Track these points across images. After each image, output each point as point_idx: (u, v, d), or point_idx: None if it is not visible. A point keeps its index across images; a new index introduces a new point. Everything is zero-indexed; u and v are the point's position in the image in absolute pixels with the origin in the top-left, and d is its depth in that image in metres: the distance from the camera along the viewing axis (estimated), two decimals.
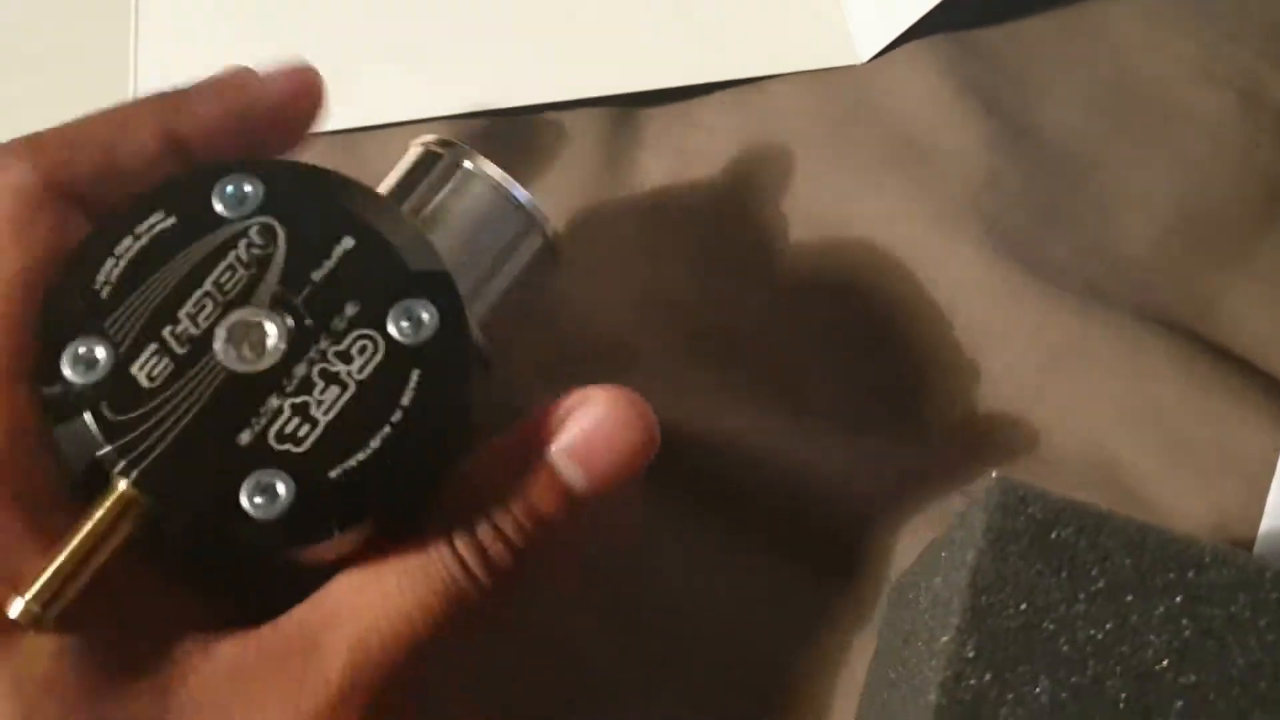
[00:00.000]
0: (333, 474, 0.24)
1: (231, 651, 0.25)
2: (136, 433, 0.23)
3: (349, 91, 0.40)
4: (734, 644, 0.35)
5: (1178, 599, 0.25)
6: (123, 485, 0.23)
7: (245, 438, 0.24)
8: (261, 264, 0.25)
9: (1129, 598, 0.25)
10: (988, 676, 0.24)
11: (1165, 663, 0.24)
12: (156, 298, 0.25)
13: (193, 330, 0.24)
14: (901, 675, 0.28)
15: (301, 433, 0.24)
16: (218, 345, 0.24)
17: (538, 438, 0.27)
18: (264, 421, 0.24)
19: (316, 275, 0.25)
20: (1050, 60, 0.41)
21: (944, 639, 0.25)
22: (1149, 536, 0.25)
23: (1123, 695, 0.24)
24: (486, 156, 0.40)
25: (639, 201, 0.40)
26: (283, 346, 0.25)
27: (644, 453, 0.27)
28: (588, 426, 0.27)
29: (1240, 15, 0.42)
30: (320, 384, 0.24)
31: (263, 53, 0.42)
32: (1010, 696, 0.24)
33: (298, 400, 0.24)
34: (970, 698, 0.24)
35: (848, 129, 0.40)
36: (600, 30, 0.42)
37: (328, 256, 0.25)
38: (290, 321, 0.25)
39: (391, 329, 0.25)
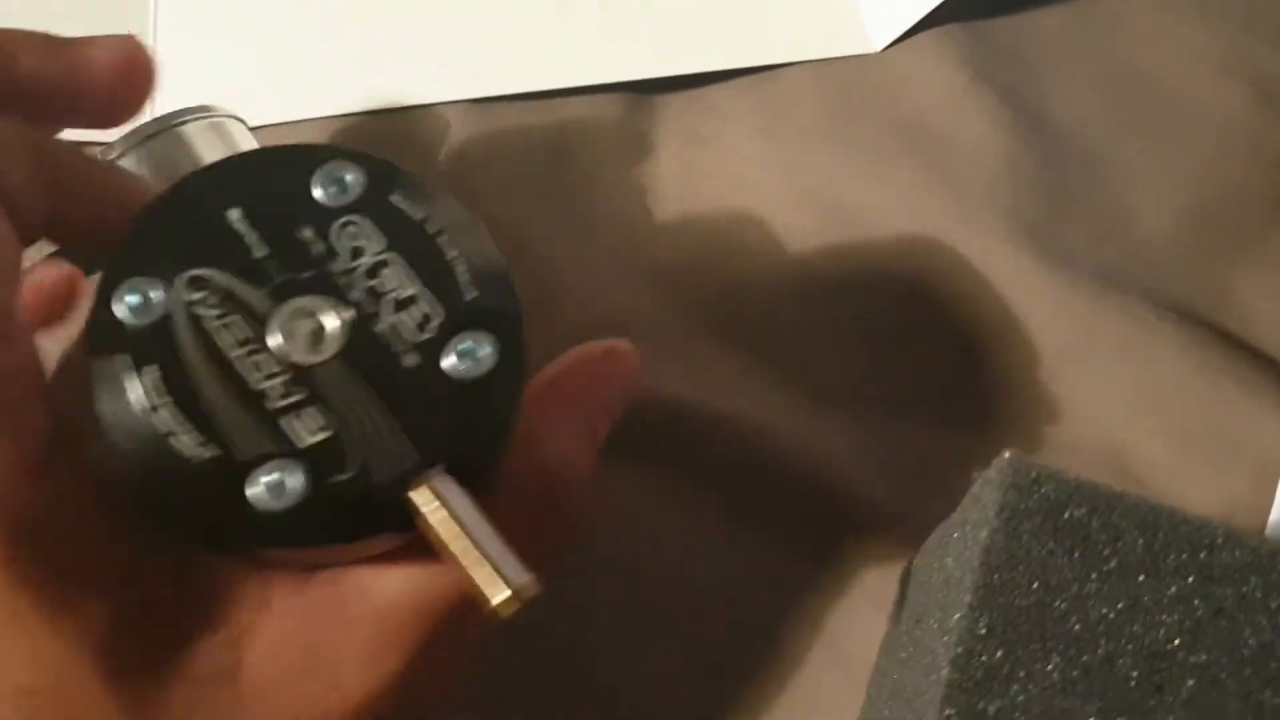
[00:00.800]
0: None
1: (288, 598, 0.24)
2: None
3: (375, 71, 0.41)
4: (741, 624, 0.35)
5: (1190, 579, 0.25)
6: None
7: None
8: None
9: (1141, 577, 0.25)
10: (999, 653, 0.24)
11: (1177, 642, 0.25)
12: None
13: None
14: (913, 655, 0.29)
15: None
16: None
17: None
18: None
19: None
20: (1064, 51, 0.41)
21: (956, 616, 0.25)
22: (1161, 517, 0.25)
23: (1134, 674, 0.24)
24: (504, 141, 0.40)
25: (652, 185, 0.40)
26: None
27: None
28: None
29: (1254, 9, 0.42)
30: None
31: (282, 25, 0.42)
32: (1022, 674, 0.24)
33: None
34: (982, 674, 0.24)
35: (862, 117, 0.40)
36: (616, 17, 0.42)
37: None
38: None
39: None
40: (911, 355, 0.38)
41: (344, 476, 0.23)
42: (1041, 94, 0.41)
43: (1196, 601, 0.25)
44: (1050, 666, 0.24)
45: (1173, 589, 0.25)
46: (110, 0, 0.42)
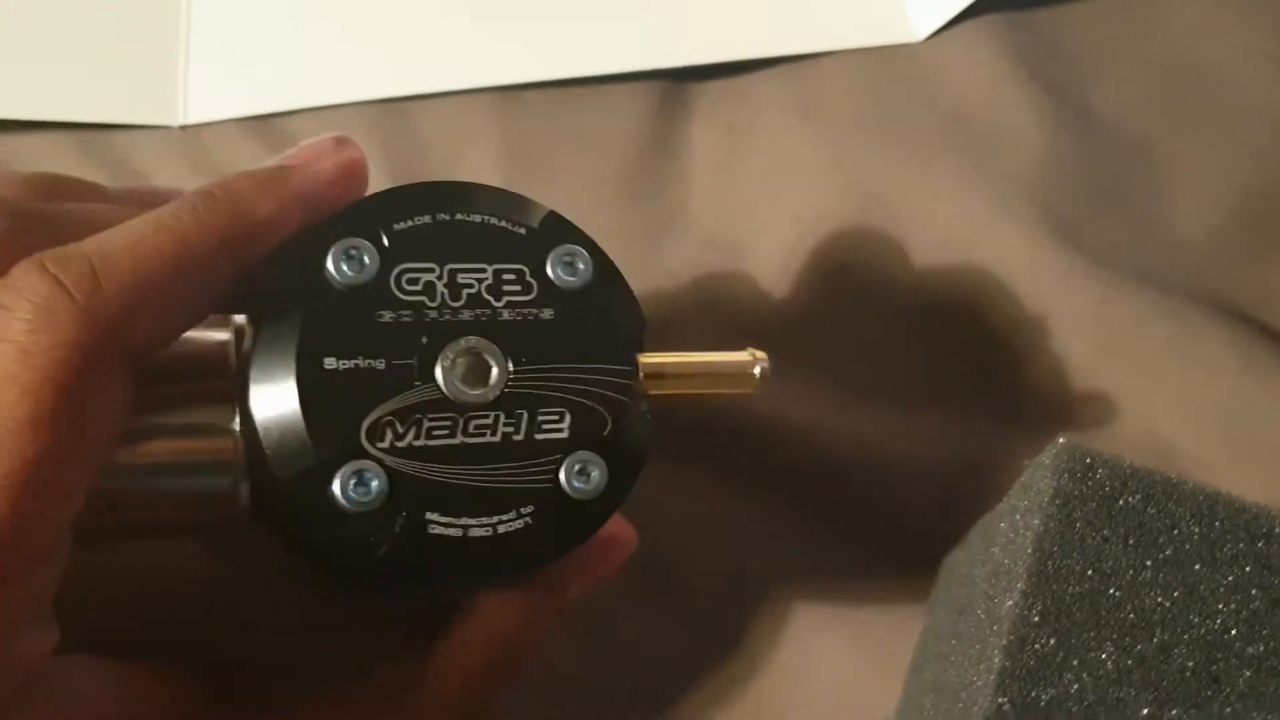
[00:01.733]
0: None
1: None
2: None
3: (399, 58, 0.41)
4: (776, 617, 0.34)
5: (1247, 568, 0.24)
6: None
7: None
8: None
9: (1197, 566, 0.24)
10: (1052, 642, 0.24)
11: (1234, 632, 0.24)
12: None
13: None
14: (955, 648, 0.28)
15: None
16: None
17: (562, 579, 0.28)
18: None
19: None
20: (1110, 42, 0.40)
21: (1008, 604, 0.24)
22: (1218, 505, 0.25)
23: (1190, 664, 0.24)
24: (534, 129, 0.40)
25: (687, 175, 0.39)
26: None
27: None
28: (601, 573, 0.28)
29: None
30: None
31: (314, 10, 0.42)
32: (1075, 662, 0.24)
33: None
34: (1035, 662, 0.24)
35: (902, 107, 0.39)
36: (651, 2, 0.41)
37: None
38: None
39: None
40: (951, 350, 0.37)
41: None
42: (1085, 86, 0.40)
43: (1254, 591, 0.24)
44: (1104, 655, 0.24)
45: (1230, 578, 0.24)
46: None
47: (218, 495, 0.24)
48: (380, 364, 0.23)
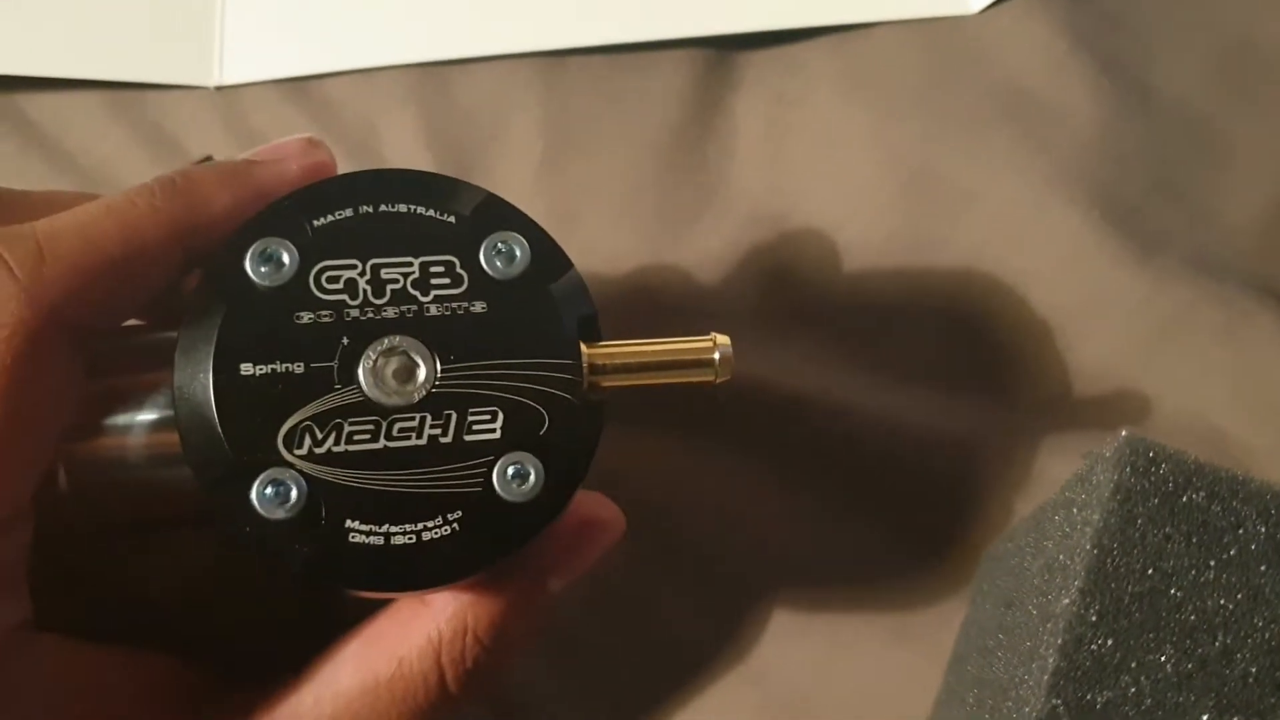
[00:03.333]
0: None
1: None
2: None
3: (440, 21, 0.40)
4: (814, 601, 0.34)
5: None
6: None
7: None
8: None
9: (1263, 567, 0.23)
10: (1109, 642, 0.23)
11: None
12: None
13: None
14: (1003, 643, 0.27)
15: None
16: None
17: (539, 582, 0.27)
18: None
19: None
20: (1171, 19, 0.39)
21: (1064, 602, 0.23)
22: None
23: (1253, 670, 0.23)
24: (575, 98, 0.39)
25: (732, 147, 0.38)
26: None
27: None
28: (584, 560, 0.27)
29: None
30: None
31: None
32: (1133, 665, 0.23)
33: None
34: (1091, 664, 0.23)
35: (954, 81, 0.38)
36: None
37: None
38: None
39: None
40: (997, 333, 0.36)
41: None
42: (1144, 63, 0.39)
43: None
44: (1163, 658, 0.23)
45: None
46: None
47: (186, 488, 0.23)
48: (299, 368, 0.23)
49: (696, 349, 0.25)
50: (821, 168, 0.38)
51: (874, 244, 0.37)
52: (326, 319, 0.23)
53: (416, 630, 0.26)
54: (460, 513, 0.23)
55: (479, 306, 0.24)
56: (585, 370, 0.24)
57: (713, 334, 0.25)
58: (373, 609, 0.27)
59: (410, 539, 0.22)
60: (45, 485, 0.24)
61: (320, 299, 0.23)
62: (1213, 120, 0.38)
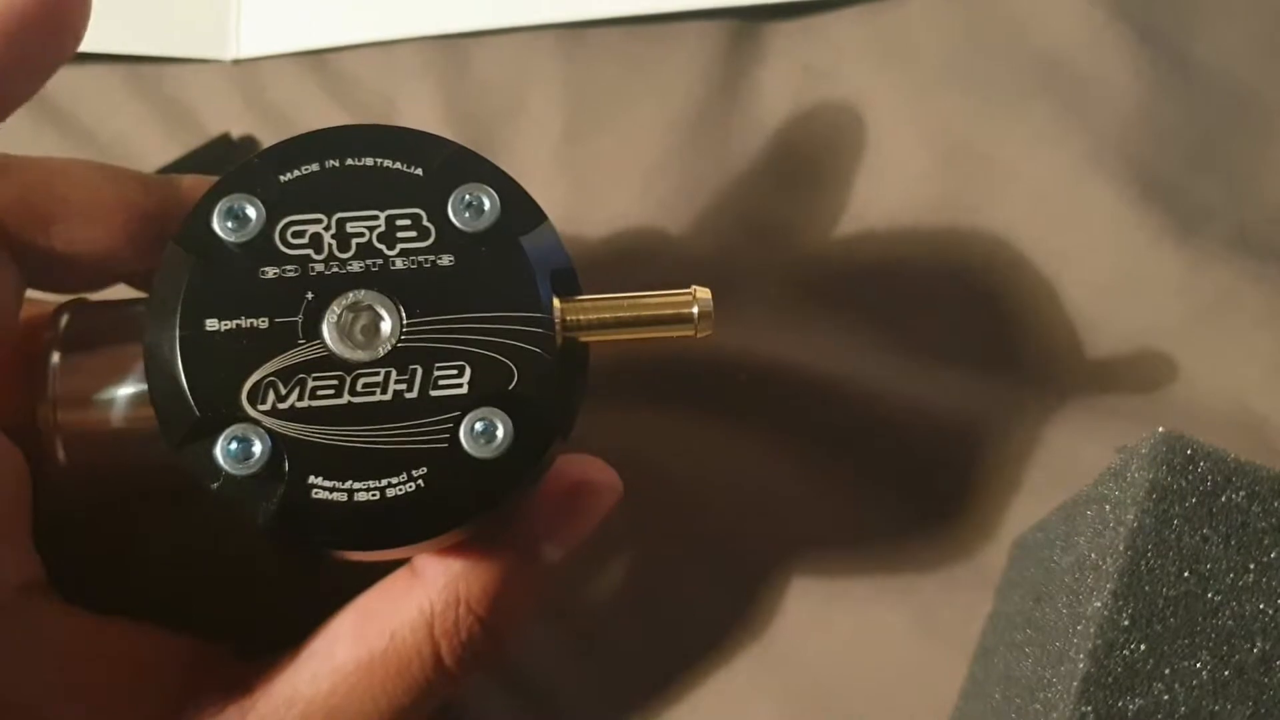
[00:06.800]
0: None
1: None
2: None
3: None
4: (837, 589, 0.33)
5: None
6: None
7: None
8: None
9: None
10: (1143, 648, 0.22)
11: None
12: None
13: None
14: (1032, 638, 0.26)
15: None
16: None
17: (531, 542, 0.26)
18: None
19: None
20: None
21: (1096, 604, 0.23)
22: None
23: None
24: (597, 70, 0.38)
25: (759, 121, 0.37)
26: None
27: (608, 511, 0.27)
28: (580, 525, 0.26)
29: None
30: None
31: None
32: (1166, 671, 0.22)
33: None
34: (1122, 670, 0.22)
35: (988, 51, 0.37)
36: None
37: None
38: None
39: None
40: (1030, 313, 0.35)
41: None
42: (1185, 34, 0.37)
43: None
44: (1199, 664, 0.22)
45: None
46: None
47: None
48: (263, 323, 0.23)
49: (675, 302, 0.25)
50: (850, 141, 0.37)
51: (905, 221, 0.36)
52: (291, 274, 0.23)
53: (408, 604, 0.26)
54: (425, 469, 0.22)
55: (446, 260, 0.23)
56: (558, 325, 0.23)
57: (693, 287, 0.25)
58: (369, 582, 0.27)
59: (374, 495, 0.22)
60: (44, 461, 0.25)
61: (285, 254, 0.23)
62: (1255, 93, 0.37)
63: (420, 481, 0.22)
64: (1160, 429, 0.24)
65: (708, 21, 0.38)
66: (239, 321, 0.23)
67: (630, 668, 0.33)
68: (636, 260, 0.36)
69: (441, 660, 0.25)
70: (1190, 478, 0.23)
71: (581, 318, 0.24)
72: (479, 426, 0.22)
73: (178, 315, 0.22)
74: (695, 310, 0.24)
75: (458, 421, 0.22)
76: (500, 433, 0.22)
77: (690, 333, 0.25)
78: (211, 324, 0.22)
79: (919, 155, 0.37)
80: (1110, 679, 0.22)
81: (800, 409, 0.34)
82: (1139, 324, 0.35)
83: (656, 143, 0.37)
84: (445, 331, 0.23)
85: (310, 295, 0.23)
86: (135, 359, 0.25)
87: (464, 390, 0.23)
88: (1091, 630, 0.22)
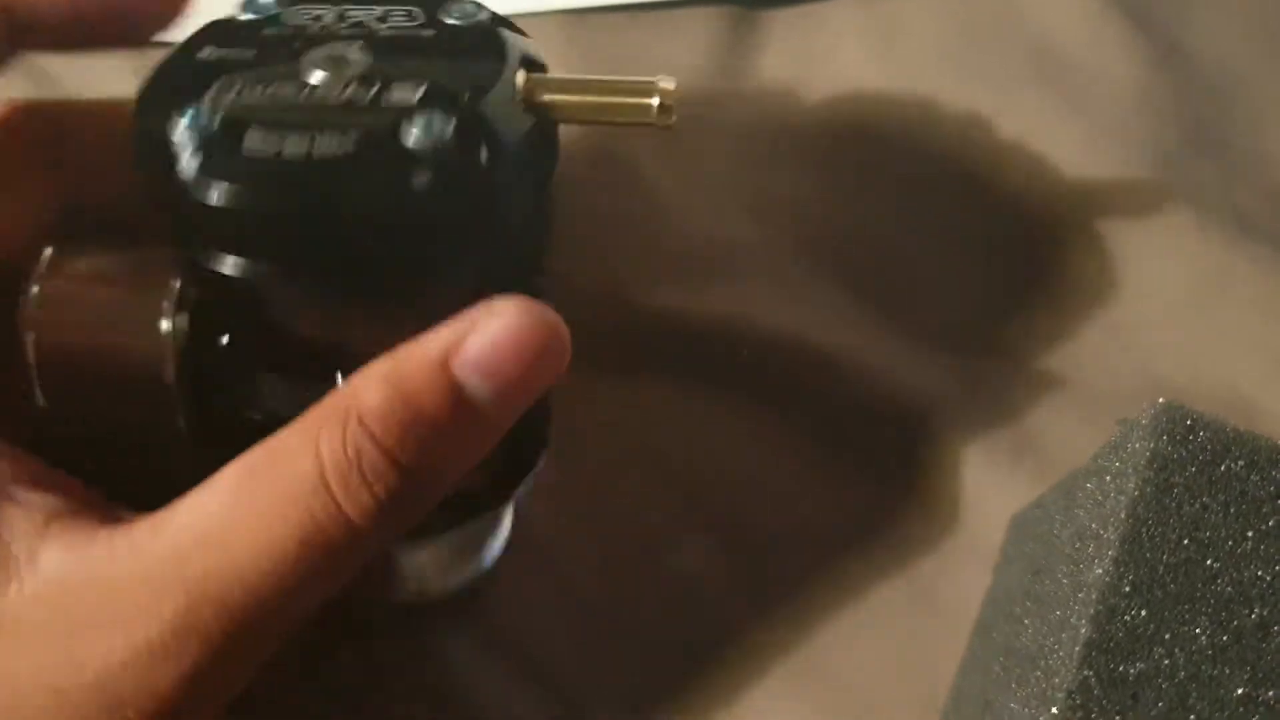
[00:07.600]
0: None
1: (73, 562, 0.22)
2: None
3: None
4: (834, 569, 0.33)
5: None
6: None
7: None
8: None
9: None
10: (1143, 613, 0.23)
11: None
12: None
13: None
14: (1031, 610, 0.27)
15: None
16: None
17: (437, 351, 0.22)
18: None
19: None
20: None
21: (1097, 571, 0.23)
22: None
23: None
24: (598, 54, 0.38)
25: (758, 106, 0.38)
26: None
27: (554, 364, 0.23)
28: (496, 338, 0.22)
29: None
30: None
31: None
32: (1167, 636, 0.23)
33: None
34: (1123, 635, 0.23)
35: (987, 38, 0.38)
36: None
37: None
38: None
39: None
40: (1025, 296, 0.36)
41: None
42: (1178, 20, 0.38)
43: None
44: (1198, 630, 0.23)
45: None
46: None
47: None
48: (249, 54, 0.25)
49: (637, 88, 0.25)
50: (849, 127, 0.37)
51: (905, 206, 0.37)
52: (288, 34, 0.25)
53: (296, 424, 0.23)
54: (358, 134, 0.22)
55: (428, 32, 0.25)
56: (520, 83, 0.24)
57: (660, 76, 0.25)
58: None
59: (302, 149, 0.22)
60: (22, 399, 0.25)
61: (288, 25, 0.25)
62: (1247, 79, 0.38)
63: (351, 149, 0.22)
64: (1160, 399, 0.24)
65: (706, 8, 0.39)
66: (228, 51, 0.25)
67: (617, 637, 0.33)
68: (638, 241, 0.36)
69: (329, 486, 0.22)
70: (1190, 447, 0.23)
71: (548, 95, 0.24)
72: (421, 120, 0.23)
73: (177, 48, 0.25)
74: (655, 101, 0.24)
75: (402, 116, 0.23)
76: (438, 127, 0.23)
77: (650, 121, 0.25)
78: (204, 53, 0.25)
79: (918, 141, 0.37)
80: (1112, 644, 0.22)
81: (801, 385, 0.35)
82: (1138, 306, 0.35)
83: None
84: (411, 64, 0.24)
85: (297, 44, 0.25)
86: (118, 301, 0.25)
87: (415, 100, 0.23)
88: (1094, 596, 0.23)
